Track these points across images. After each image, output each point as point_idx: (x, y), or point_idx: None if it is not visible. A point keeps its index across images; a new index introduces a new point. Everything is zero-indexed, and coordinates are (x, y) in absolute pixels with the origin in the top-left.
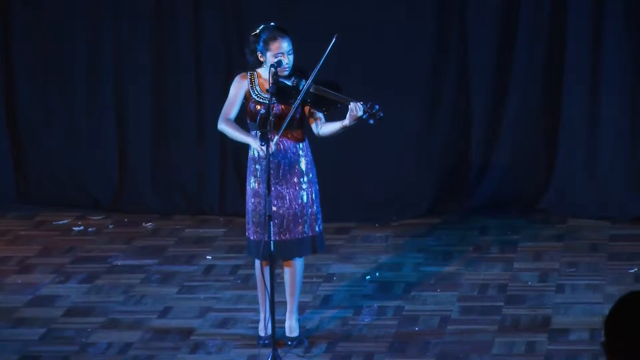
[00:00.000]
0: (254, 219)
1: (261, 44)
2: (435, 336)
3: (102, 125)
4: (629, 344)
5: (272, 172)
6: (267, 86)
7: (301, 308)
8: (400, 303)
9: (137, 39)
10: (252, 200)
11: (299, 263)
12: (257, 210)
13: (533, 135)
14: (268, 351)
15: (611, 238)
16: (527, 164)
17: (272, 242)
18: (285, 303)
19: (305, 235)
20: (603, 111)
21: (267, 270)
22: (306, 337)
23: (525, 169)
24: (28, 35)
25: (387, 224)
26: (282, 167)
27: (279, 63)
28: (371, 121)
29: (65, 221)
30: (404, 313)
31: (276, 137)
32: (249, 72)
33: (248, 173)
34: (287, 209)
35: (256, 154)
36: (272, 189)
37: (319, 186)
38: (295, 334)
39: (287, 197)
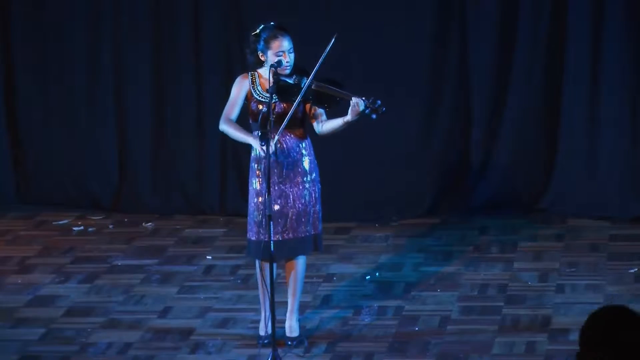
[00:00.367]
0: (256, 219)
1: (262, 43)
2: (435, 336)
3: (102, 125)
4: (602, 356)
5: (275, 171)
6: (268, 86)
7: (301, 308)
8: (400, 303)
9: (137, 39)
10: (255, 200)
11: (301, 262)
12: (260, 210)
13: (533, 135)
14: (268, 351)
15: (611, 238)
16: (527, 164)
17: (272, 242)
18: (285, 303)
19: (308, 234)
20: (603, 111)
21: (267, 269)
22: (306, 337)
23: (525, 169)
24: (28, 35)
25: (387, 224)
26: (285, 166)
27: (279, 63)
28: (374, 116)
29: (65, 221)
30: (404, 313)
31: (277, 137)
32: (249, 73)
33: (250, 173)
34: (291, 207)
35: (259, 154)
36: (276, 188)
37: (320, 185)
38: (296, 334)
39: (291, 196)
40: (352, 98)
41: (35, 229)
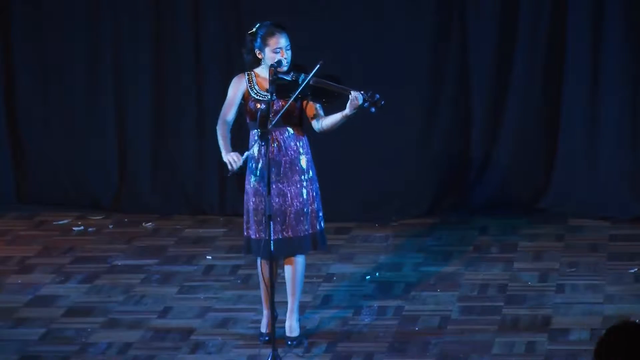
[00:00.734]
0: (255, 218)
1: (259, 40)
2: (435, 336)
3: (102, 126)
4: None
5: (273, 169)
6: (266, 84)
7: (301, 308)
8: (400, 303)
9: (137, 39)
10: (253, 199)
11: (300, 261)
12: (259, 209)
13: (533, 135)
14: (268, 351)
15: (611, 238)
16: (527, 164)
17: (272, 242)
18: (285, 303)
19: (306, 232)
20: (603, 111)
21: (268, 268)
22: (306, 337)
23: (525, 169)
24: (28, 35)
25: (387, 224)
26: (282, 164)
27: (279, 63)
28: (373, 109)
29: (65, 221)
30: (404, 313)
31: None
32: (246, 72)
33: (248, 172)
34: (289, 206)
35: (254, 153)
36: (274, 186)
37: (319, 184)
38: (296, 333)
39: (289, 195)
40: (351, 92)
41: (35, 229)
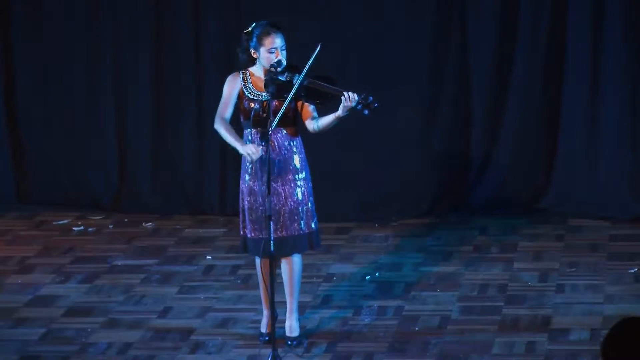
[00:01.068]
0: (251, 217)
1: (254, 40)
2: (435, 336)
3: (102, 126)
4: None
5: (266, 169)
6: (260, 84)
7: (301, 308)
8: (400, 303)
9: (137, 39)
10: (248, 198)
11: (297, 261)
12: (254, 208)
13: (533, 135)
14: (268, 351)
15: (611, 238)
16: (527, 164)
17: (272, 242)
18: (285, 303)
19: (302, 232)
20: (603, 111)
21: (267, 268)
22: (306, 337)
23: (525, 169)
24: (28, 35)
25: (387, 224)
26: (276, 164)
27: (279, 63)
28: (366, 112)
29: (65, 221)
30: (404, 313)
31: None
32: (240, 71)
33: (242, 171)
34: (283, 205)
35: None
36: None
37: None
38: (296, 333)
39: (283, 194)
40: (344, 94)
41: (35, 229)
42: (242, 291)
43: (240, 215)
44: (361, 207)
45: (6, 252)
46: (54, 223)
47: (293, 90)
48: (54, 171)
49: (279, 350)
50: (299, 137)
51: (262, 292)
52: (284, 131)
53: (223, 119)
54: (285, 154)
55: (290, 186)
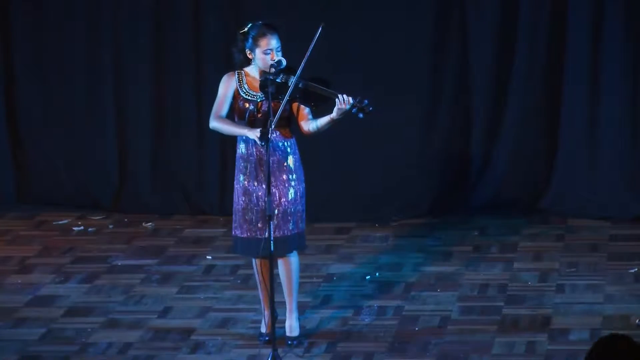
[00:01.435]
0: (246, 217)
1: (250, 40)
2: (435, 336)
3: (102, 125)
4: None
5: (262, 169)
6: (255, 84)
7: (301, 308)
8: (400, 303)
9: (137, 39)
10: (243, 198)
11: (294, 261)
12: (249, 208)
13: (533, 135)
14: (268, 351)
15: (611, 238)
16: (527, 164)
17: (272, 242)
18: (285, 303)
19: (293, 232)
20: (603, 111)
21: (263, 267)
22: (306, 337)
23: (525, 169)
24: (28, 35)
25: (387, 224)
26: (270, 164)
27: (279, 63)
28: (360, 115)
29: (65, 221)
30: (404, 313)
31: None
32: (236, 71)
33: (236, 171)
34: (277, 205)
35: (244, 151)
36: (263, 186)
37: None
38: (295, 333)
39: (277, 194)
40: (339, 96)
41: (35, 229)
42: (242, 291)
43: (234, 215)
44: (361, 207)
45: (6, 252)
46: (54, 223)
47: (289, 92)
48: (54, 171)
49: (279, 350)
50: (293, 138)
51: (260, 293)
52: (279, 132)
53: (219, 117)
54: (279, 154)
55: (284, 186)
